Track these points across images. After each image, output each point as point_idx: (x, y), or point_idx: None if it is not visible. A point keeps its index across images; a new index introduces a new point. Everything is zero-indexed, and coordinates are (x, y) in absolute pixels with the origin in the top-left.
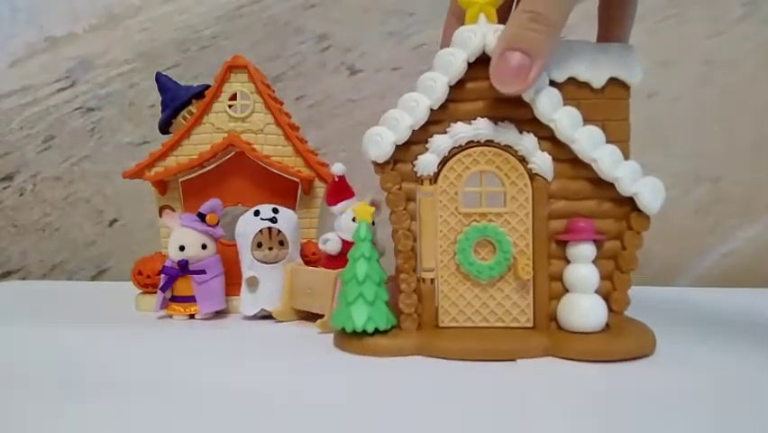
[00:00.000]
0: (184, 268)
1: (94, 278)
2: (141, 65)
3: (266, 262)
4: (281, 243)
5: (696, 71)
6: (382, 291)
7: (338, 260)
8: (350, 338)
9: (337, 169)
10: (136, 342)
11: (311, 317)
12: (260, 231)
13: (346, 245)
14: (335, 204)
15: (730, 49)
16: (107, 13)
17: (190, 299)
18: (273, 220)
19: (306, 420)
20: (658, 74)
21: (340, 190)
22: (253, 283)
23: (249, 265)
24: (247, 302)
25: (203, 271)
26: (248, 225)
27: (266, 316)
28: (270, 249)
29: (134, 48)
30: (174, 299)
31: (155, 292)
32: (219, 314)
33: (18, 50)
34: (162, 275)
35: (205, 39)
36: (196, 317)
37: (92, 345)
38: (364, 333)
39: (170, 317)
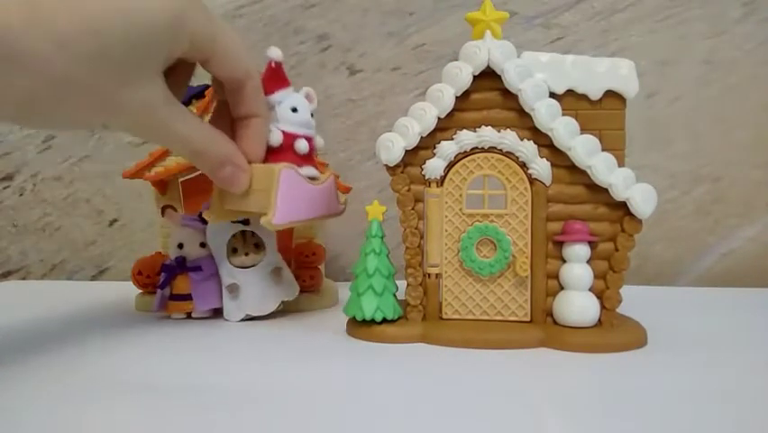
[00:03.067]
0: (181, 264)
1: (94, 278)
2: None
3: (243, 267)
4: (256, 245)
5: (696, 71)
6: (391, 284)
7: (279, 153)
8: (360, 326)
9: (274, 53)
10: (136, 341)
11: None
12: (234, 236)
13: (287, 138)
14: (273, 92)
15: (730, 49)
16: None
17: (188, 297)
18: (245, 222)
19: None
20: (658, 74)
21: (277, 78)
22: (234, 290)
23: (227, 272)
24: (230, 309)
25: (199, 268)
26: (219, 231)
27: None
28: (247, 254)
29: None
30: (173, 297)
31: (155, 292)
32: (218, 312)
33: None
34: (162, 273)
35: None
36: (192, 315)
37: (92, 344)
38: (373, 321)
39: (169, 316)
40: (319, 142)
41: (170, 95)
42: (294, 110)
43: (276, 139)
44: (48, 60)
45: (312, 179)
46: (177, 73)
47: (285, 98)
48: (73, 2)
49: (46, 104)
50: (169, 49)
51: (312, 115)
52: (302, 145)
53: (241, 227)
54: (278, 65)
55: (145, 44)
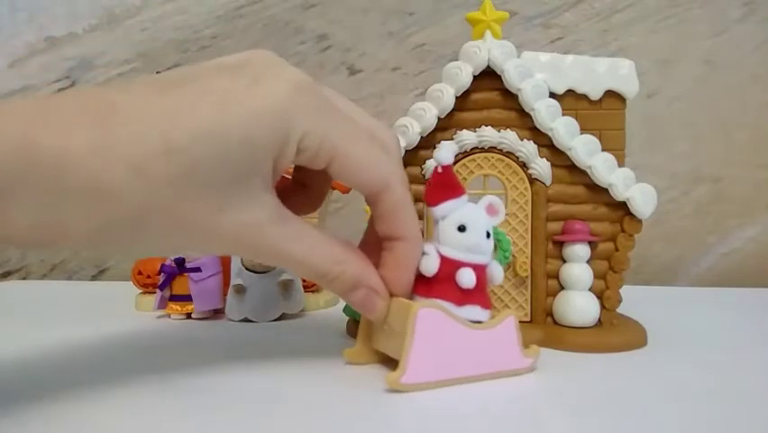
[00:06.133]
0: (181, 265)
1: (94, 278)
2: (141, 65)
3: (254, 272)
4: None
5: (696, 71)
6: None
7: (434, 283)
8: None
9: (443, 155)
10: (136, 341)
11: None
12: None
13: (446, 265)
14: (437, 204)
15: (730, 49)
16: (107, 13)
17: (188, 298)
18: None
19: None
20: (658, 74)
21: (445, 186)
22: (240, 291)
23: (237, 273)
24: (232, 307)
25: (198, 269)
26: None
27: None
28: None
29: (134, 48)
30: (173, 297)
31: (155, 292)
32: (217, 313)
33: (18, 50)
34: (161, 274)
35: (205, 39)
36: (192, 316)
37: (92, 344)
38: None
39: (169, 316)
40: (497, 273)
41: (283, 211)
42: (461, 229)
43: (431, 266)
44: (123, 188)
45: (476, 322)
46: (311, 180)
47: (452, 212)
48: (148, 121)
49: (125, 233)
50: (275, 166)
51: (488, 235)
52: (466, 278)
53: None
54: (447, 169)
55: (239, 163)
